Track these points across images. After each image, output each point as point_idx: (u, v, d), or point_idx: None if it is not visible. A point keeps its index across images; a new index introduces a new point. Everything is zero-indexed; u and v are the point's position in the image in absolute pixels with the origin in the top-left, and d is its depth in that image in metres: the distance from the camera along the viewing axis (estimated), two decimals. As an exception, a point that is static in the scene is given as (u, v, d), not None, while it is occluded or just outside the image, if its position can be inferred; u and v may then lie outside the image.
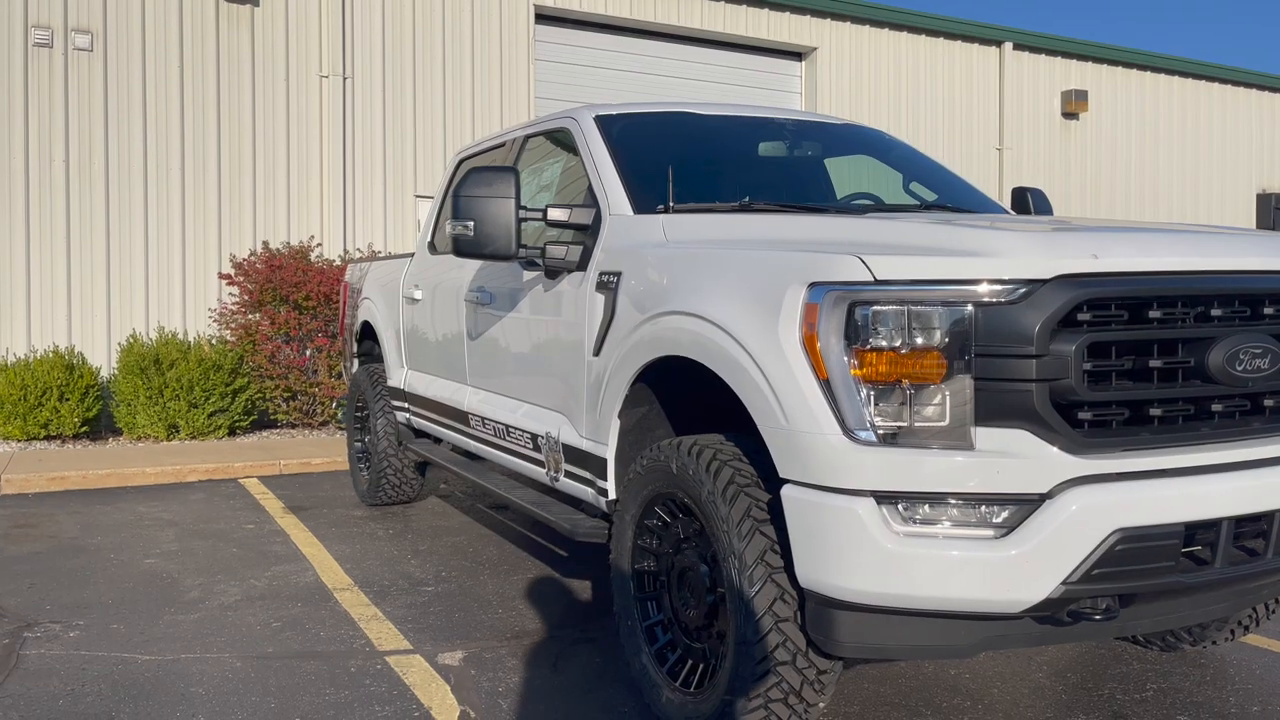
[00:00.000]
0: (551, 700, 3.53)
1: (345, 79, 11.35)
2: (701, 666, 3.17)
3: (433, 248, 5.83)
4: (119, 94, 10.33)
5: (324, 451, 8.62)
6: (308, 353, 10.02)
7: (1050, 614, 2.62)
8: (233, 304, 10.22)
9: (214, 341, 10.10)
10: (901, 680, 3.69)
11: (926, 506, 2.59)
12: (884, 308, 2.60)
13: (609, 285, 3.63)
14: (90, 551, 5.64)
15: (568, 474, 4.03)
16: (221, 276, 10.34)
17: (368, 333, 6.98)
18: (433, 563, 5.33)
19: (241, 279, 10.09)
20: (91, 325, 10.25)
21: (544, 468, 4.22)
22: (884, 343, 2.60)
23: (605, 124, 4.28)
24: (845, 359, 2.62)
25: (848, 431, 2.60)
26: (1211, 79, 17.29)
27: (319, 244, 10.89)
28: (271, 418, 10.19)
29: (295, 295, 9.89)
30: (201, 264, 10.67)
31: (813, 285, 2.69)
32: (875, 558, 2.58)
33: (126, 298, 10.39)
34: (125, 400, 9.53)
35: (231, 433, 9.76)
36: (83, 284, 10.22)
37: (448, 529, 6.09)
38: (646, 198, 3.85)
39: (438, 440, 5.98)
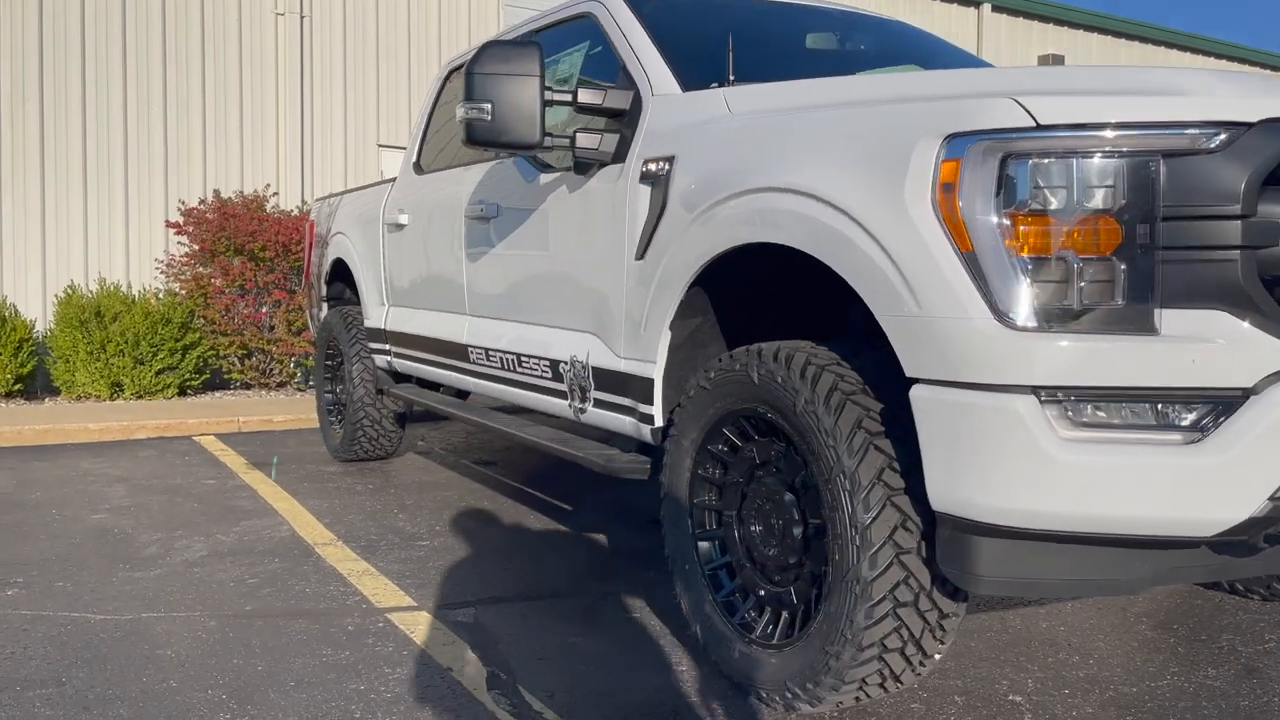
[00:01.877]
0: (592, 660, 2.99)
1: (303, 17, 10.61)
2: (786, 615, 2.65)
3: (419, 168, 5.23)
4: (54, 27, 9.50)
5: (286, 409, 7.97)
6: (264, 308, 9.32)
7: (1245, 538, 2.14)
8: (182, 255, 9.48)
9: (161, 295, 9.35)
10: (989, 634, 3.21)
11: (1099, 406, 2.09)
12: (1048, 160, 2.09)
13: (657, 175, 3.08)
14: (28, 507, 4.97)
15: (597, 403, 3.48)
16: (169, 225, 9.58)
17: (340, 273, 6.36)
18: (423, 517, 4.75)
19: (191, 228, 9.35)
20: (25, 275, 9.45)
21: (566, 399, 3.67)
22: (1046, 204, 2.09)
23: (635, 3, 3.71)
24: (996, 226, 2.11)
25: (999, 315, 2.09)
26: (1201, 52, 17.10)
27: (275, 193, 10.16)
28: (226, 377, 9.49)
29: (251, 245, 9.18)
30: (146, 212, 9.90)
31: (951, 137, 2.17)
32: (1036, 469, 2.08)
33: (63, 246, 9.60)
34: (63, 356, 8.77)
35: (182, 392, 9.04)
36: (14, 230, 9.41)
37: (434, 484, 5.51)
38: (694, 75, 3.30)
39: (426, 384, 5.39)
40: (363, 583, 3.74)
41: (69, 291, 8.98)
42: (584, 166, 3.44)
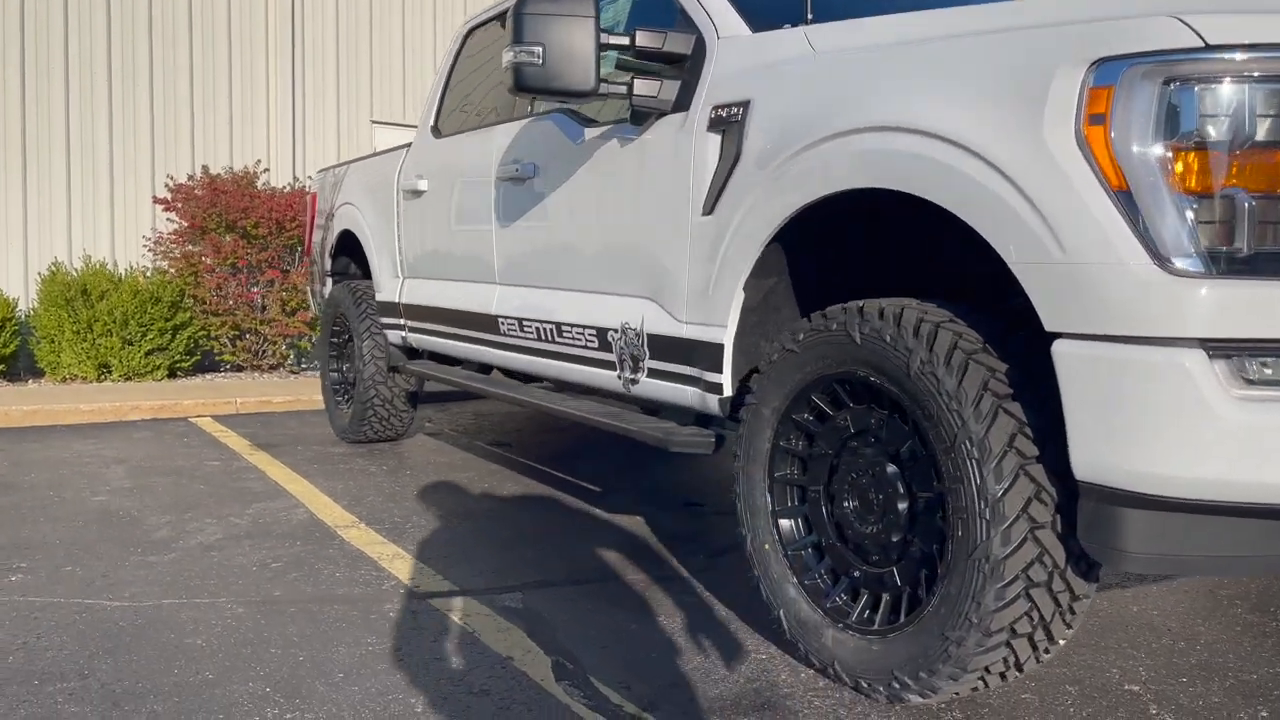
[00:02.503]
0: (658, 648, 2.76)
1: (294, -12, 10.26)
2: (887, 598, 2.42)
3: (437, 131, 4.95)
4: (36, -7, 9.13)
5: (284, 390, 7.67)
6: (257, 287, 9.00)
7: None
8: (170, 232, 9.13)
9: (150, 273, 9.01)
10: (1079, 618, 2.99)
11: (1275, 361, 1.87)
12: (1216, 86, 1.86)
13: (730, 120, 2.84)
14: (22, 489, 4.68)
15: (652, 373, 3.24)
16: (157, 201, 9.23)
17: (346, 247, 6.07)
18: (446, 499, 4.49)
19: (180, 204, 9.00)
20: (6, 252, 9.09)
21: (614, 370, 3.43)
22: (1213, 136, 1.87)
23: (688, -55, 3.45)
24: (1155, 160, 1.88)
25: (1160, 259, 1.86)
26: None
27: (266, 170, 9.83)
28: (217, 359, 9.16)
29: (243, 222, 8.85)
30: (132, 187, 9.54)
31: (1101, 62, 1.94)
32: (1203, 432, 1.85)
33: (46, 223, 9.24)
34: (48, 336, 8.43)
35: (171, 374, 8.72)
36: (-4, 206, 9.05)
37: (450, 465, 5.25)
38: (764, 14, 3.05)
39: (443, 361, 5.13)
40: (395, 566, 3.48)
41: (53, 269, 8.63)
42: (641, 117, 3.18)
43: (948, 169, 2.15)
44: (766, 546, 2.69)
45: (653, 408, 3.46)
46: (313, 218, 6.64)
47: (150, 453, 5.59)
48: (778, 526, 2.68)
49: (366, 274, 6.09)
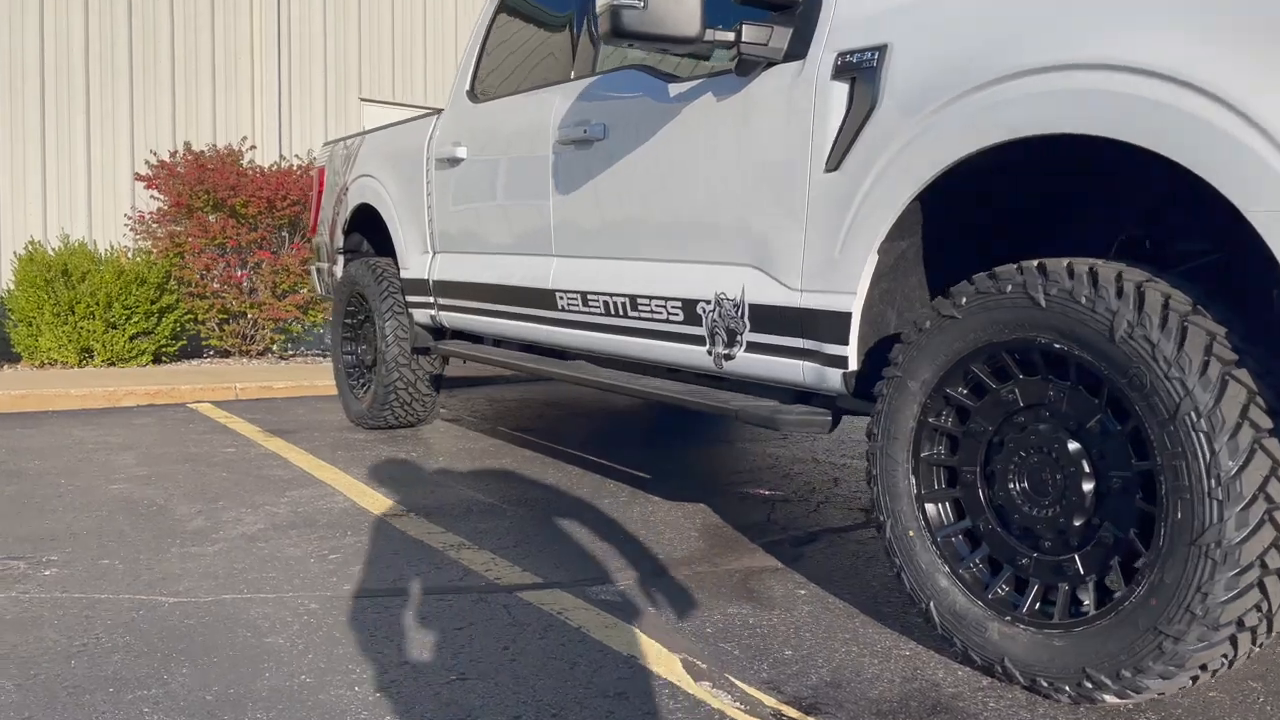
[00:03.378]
0: (789, 644, 2.52)
1: (281, -41, 9.86)
2: (1066, 588, 2.20)
3: (474, 96, 4.66)
4: (10, -43, 8.66)
5: (286, 376, 7.33)
6: (246, 268, 8.62)
7: None
8: (153, 211, 8.72)
9: (132, 253, 8.60)
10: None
11: None
12: None
13: (861, 67, 2.59)
14: (30, 476, 4.33)
15: (752, 347, 2.99)
16: (139, 178, 8.83)
17: (360, 223, 5.76)
18: (490, 486, 4.22)
19: (164, 181, 8.60)
20: (-20, 231, 8.62)
21: (703, 344, 3.18)
22: None
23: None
24: None
25: None
26: None
27: (253, 147, 9.44)
28: (204, 343, 8.77)
29: (232, 200, 8.47)
30: (110, 164, 9.12)
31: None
32: None
33: (20, 200, 8.79)
34: (25, 318, 8.01)
35: (156, 360, 8.32)
36: (-32, 182, 8.58)
37: (482, 451, 4.97)
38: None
39: (479, 340, 4.85)
40: (464, 556, 3.21)
41: (30, 249, 8.19)
42: (747, 67, 2.93)
43: (1170, 111, 1.92)
44: (910, 533, 2.47)
45: (741, 385, 3.22)
46: (320, 193, 6.31)
47: (157, 439, 5.25)
48: (923, 511, 2.46)
49: (381, 250, 5.80)
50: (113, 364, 7.99)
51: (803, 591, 2.94)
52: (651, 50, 2.96)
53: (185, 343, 8.63)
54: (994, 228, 2.67)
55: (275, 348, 8.95)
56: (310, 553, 3.24)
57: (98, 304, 7.87)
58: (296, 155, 9.72)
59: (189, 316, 8.51)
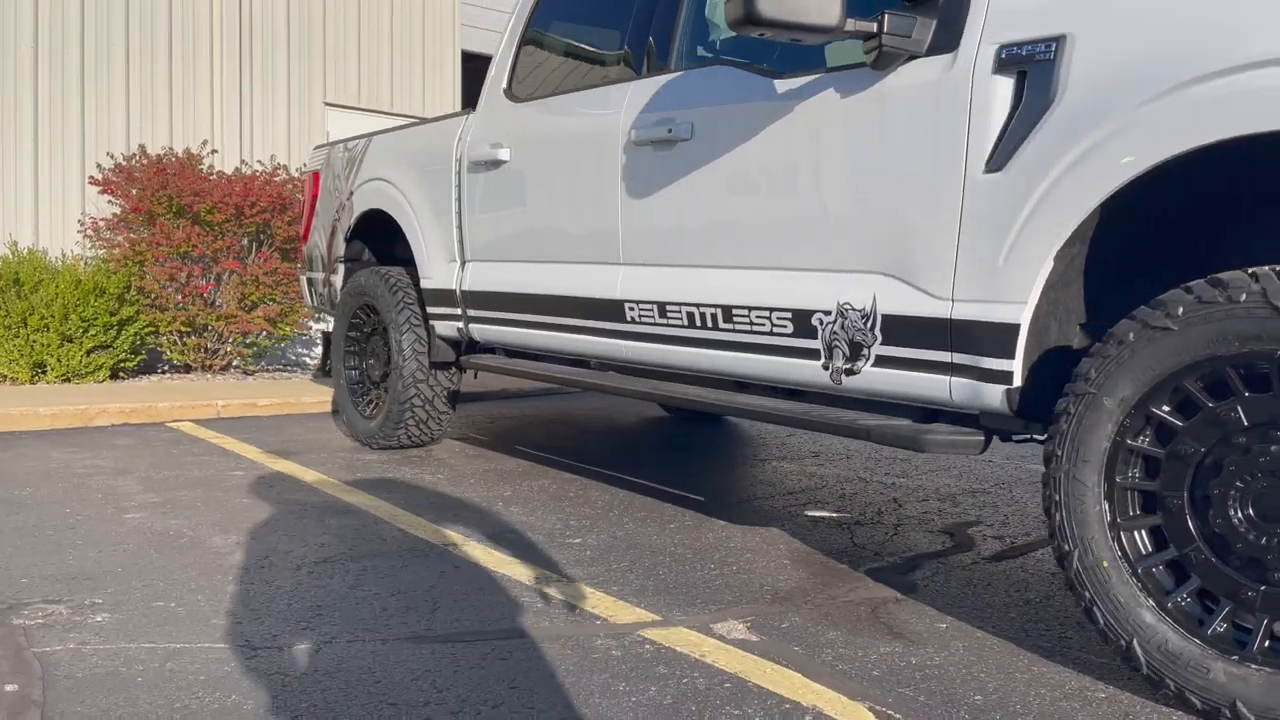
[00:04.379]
0: (969, 682, 2.30)
1: (242, -47, 9.42)
2: (1306, 623, 2.02)
3: (513, 95, 4.38)
4: (-47, -55, 8.09)
5: (267, 392, 6.91)
6: (212, 277, 8.15)
7: None
8: (107, 218, 8.20)
9: (89, 262, 8.07)
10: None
11: None
12: None
13: (1032, 60, 2.41)
14: (30, 506, 3.91)
15: (881, 361, 2.78)
16: (94, 182, 8.29)
17: (365, 230, 5.43)
18: (542, 510, 3.93)
19: (120, 185, 8.09)
20: (-80, 237, 8.01)
21: (818, 358, 2.96)
22: None
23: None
24: None
25: None
26: None
27: (214, 151, 8.97)
28: (165, 357, 8.27)
29: (198, 206, 8.00)
30: (59, 167, 8.56)
31: None
32: None
33: (-37, 205, 8.18)
34: (-28, 331, 7.43)
35: (113, 375, 7.80)
36: (-94, 184, 7.97)
37: (512, 473, 4.67)
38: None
39: (512, 354, 4.56)
40: (559, 591, 2.93)
41: (-23, 256, 7.63)
42: (887, 60, 2.72)
43: None
44: (1105, 564, 2.27)
45: (859, 404, 3.00)
46: (314, 198, 5.95)
47: (153, 462, 4.84)
48: (1119, 540, 2.26)
49: (385, 259, 5.50)
50: (68, 379, 7.46)
51: (942, 625, 2.73)
52: (780, 38, 2.72)
53: (144, 357, 8.11)
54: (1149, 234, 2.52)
55: (239, 363, 8.48)
56: (385, 590, 2.93)
57: (53, 316, 7.35)
58: (259, 161, 9.26)
59: (149, 329, 8.00)
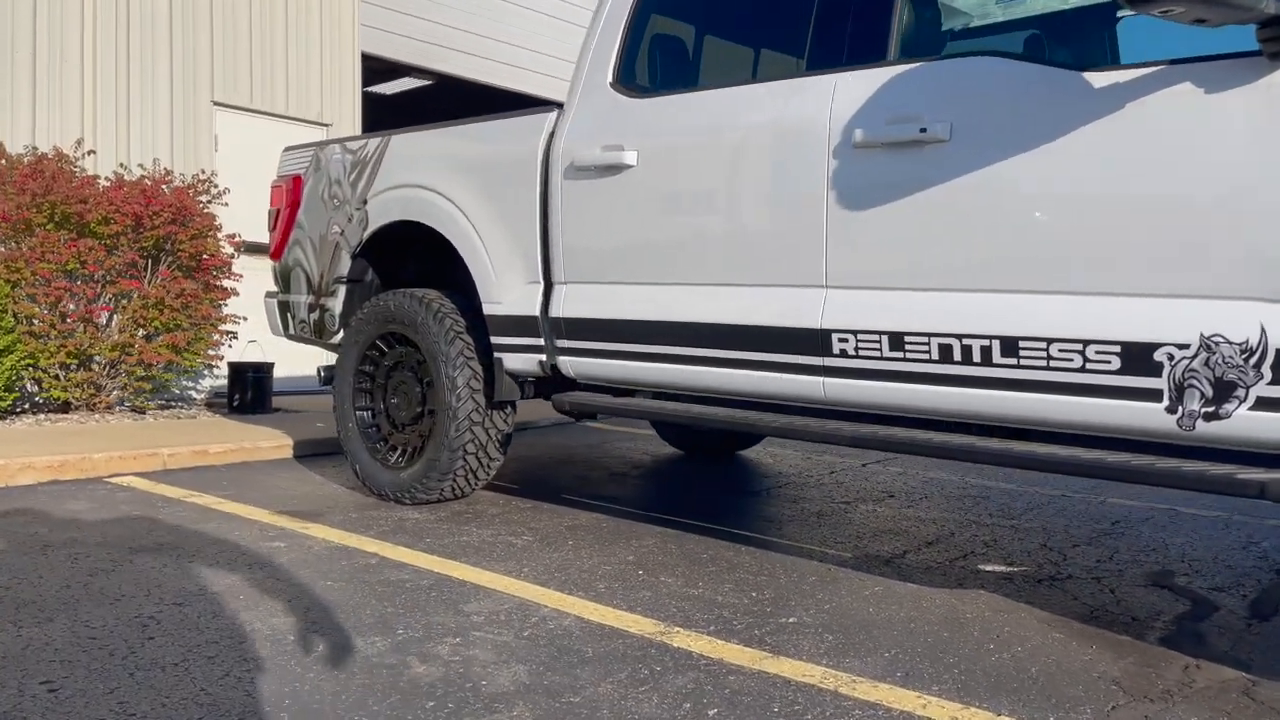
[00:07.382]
0: None
1: (121, -67, 8.18)
2: None
3: (630, 88, 3.72)
4: None
5: (200, 435, 5.84)
6: (108, 299, 6.93)
7: None
8: (-34, 229, 6.84)
9: (-55, 281, 6.68)
10: None
11: None
12: None
13: None
14: (53, 605, 2.92)
15: (1265, 404, 2.36)
16: (-51, 185, 6.90)
17: (376, 247, 4.62)
18: (713, 580, 3.29)
19: (-13, 190, 6.77)
20: None
21: (1159, 400, 2.51)
22: None
23: None
24: None
25: None
26: None
27: (91, 151, 7.71)
28: (46, 394, 6.95)
29: (89, 216, 6.79)
30: (-102, 168, 7.09)
31: None
32: None
33: None
34: None
35: (-15, 417, 6.47)
36: None
37: (592, 529, 3.95)
38: None
39: (617, 393, 3.89)
40: (786, 668, 2.34)
41: None
42: (1285, 51, 2.31)
43: None
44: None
45: (1206, 453, 2.56)
46: (292, 206, 5.05)
47: (153, 535, 3.83)
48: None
49: (391, 281, 4.75)
50: (-71, 424, 6.10)
51: (1235, 695, 2.32)
52: (1183, 20, 2.27)
53: (19, 395, 6.78)
54: None
55: (130, 399, 7.24)
56: (596, 697, 2.24)
57: (-88, 346, 6.00)
58: (140, 164, 8.02)
59: (27, 361, 6.69)
